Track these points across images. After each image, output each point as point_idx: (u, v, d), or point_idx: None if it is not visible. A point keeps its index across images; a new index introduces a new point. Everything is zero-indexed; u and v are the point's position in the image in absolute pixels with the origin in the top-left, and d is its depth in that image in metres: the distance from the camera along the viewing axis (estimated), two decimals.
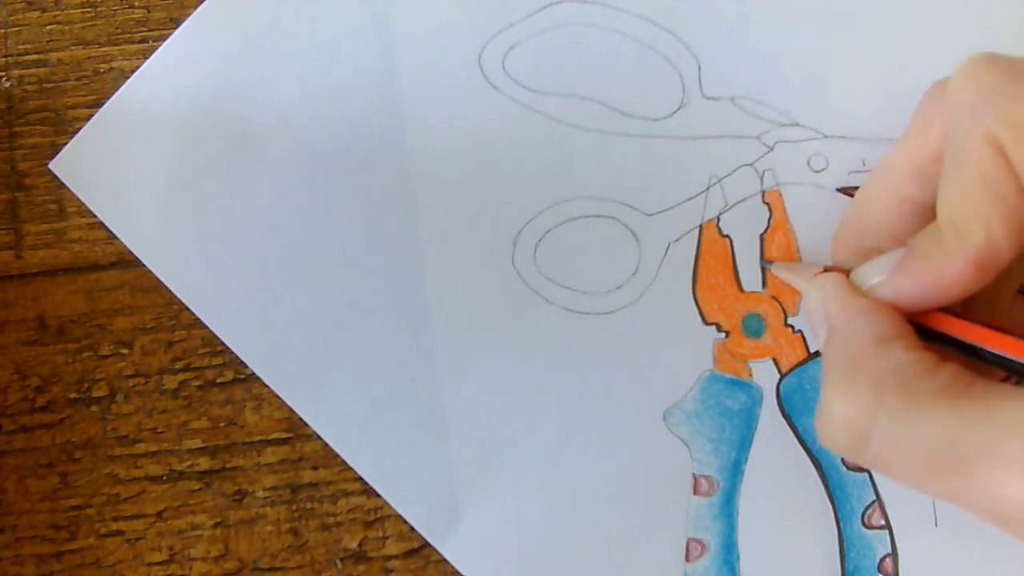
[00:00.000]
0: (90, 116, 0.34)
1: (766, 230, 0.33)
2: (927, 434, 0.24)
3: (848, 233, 0.30)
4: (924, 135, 0.27)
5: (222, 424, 0.33)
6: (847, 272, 0.28)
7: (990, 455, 0.23)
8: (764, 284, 0.32)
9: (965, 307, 0.27)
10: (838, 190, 0.32)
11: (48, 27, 0.35)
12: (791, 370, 0.32)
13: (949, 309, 0.26)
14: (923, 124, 0.27)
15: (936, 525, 0.31)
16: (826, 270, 0.29)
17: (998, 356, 0.26)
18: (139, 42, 0.34)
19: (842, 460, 0.31)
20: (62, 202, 0.34)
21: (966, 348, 0.26)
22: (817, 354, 0.32)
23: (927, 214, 0.27)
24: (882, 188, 0.29)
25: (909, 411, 0.24)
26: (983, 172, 0.24)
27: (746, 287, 0.32)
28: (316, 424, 0.32)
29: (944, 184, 0.26)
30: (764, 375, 0.32)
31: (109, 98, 0.34)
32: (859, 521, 0.31)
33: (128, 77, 0.34)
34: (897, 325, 0.26)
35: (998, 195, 0.24)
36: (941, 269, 0.25)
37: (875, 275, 0.27)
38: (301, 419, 0.32)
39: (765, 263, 0.32)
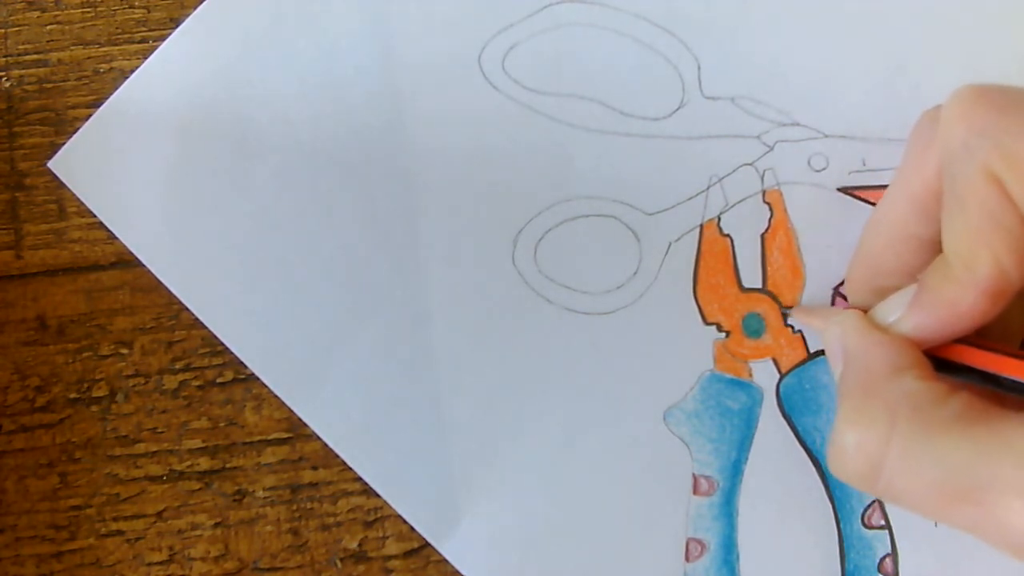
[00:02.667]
0: (90, 116, 0.34)
1: (767, 230, 0.33)
2: (940, 462, 0.24)
3: (859, 273, 0.30)
4: (920, 171, 0.27)
5: (222, 424, 0.33)
6: (865, 311, 0.28)
7: (1004, 483, 0.23)
8: (764, 283, 0.32)
9: (980, 336, 0.27)
10: (838, 190, 0.32)
11: (48, 27, 0.35)
12: (791, 370, 0.32)
13: (966, 340, 0.27)
14: (918, 159, 0.27)
15: (936, 525, 0.31)
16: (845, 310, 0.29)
17: (1016, 382, 0.26)
18: (139, 42, 0.34)
19: None
20: (62, 202, 0.34)
21: (985, 377, 0.26)
22: (817, 354, 0.32)
23: (935, 247, 0.27)
24: (886, 228, 0.29)
25: (922, 438, 0.24)
26: (984, 207, 0.24)
27: (746, 287, 0.32)
28: (316, 424, 0.32)
29: (947, 220, 0.26)
30: (764, 375, 0.32)
31: (109, 98, 0.34)
32: (859, 521, 0.31)
33: (128, 77, 0.34)
34: (911, 355, 0.26)
35: (1002, 227, 0.24)
36: (954, 302, 0.26)
37: (891, 313, 0.27)
38: (301, 419, 0.32)
39: (785, 310, 0.32)
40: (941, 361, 0.27)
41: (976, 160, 0.24)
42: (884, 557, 0.31)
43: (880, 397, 0.25)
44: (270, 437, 0.33)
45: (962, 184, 0.25)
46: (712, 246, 0.33)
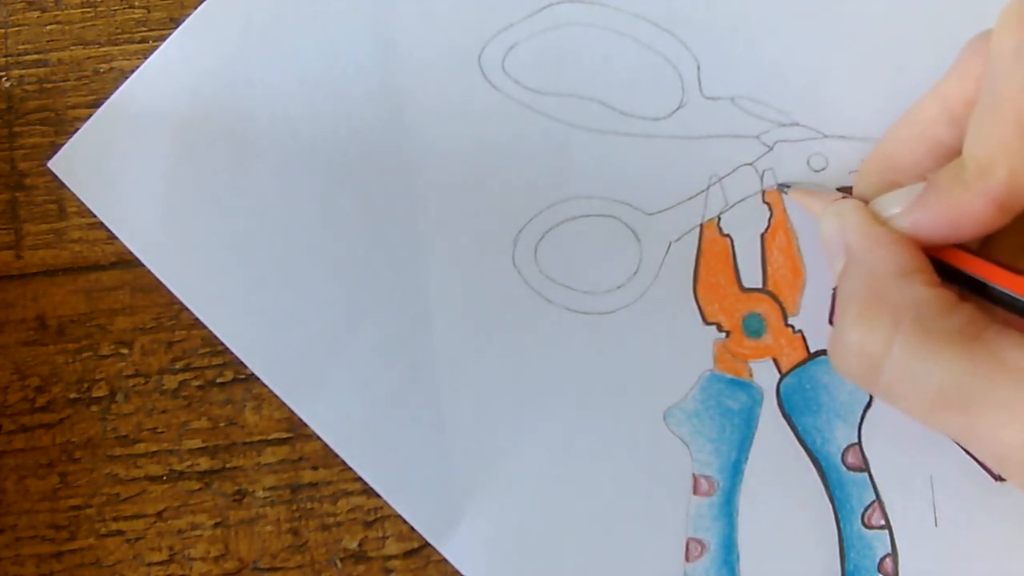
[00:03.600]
0: (90, 116, 0.34)
1: (767, 230, 0.33)
2: (937, 373, 0.25)
3: (873, 166, 0.30)
4: (961, 79, 0.27)
5: (222, 424, 0.33)
6: (866, 202, 0.28)
7: (995, 400, 0.24)
8: (764, 283, 0.32)
9: (988, 250, 0.27)
10: (838, 190, 0.32)
11: (48, 27, 0.35)
12: (791, 370, 0.32)
13: (966, 247, 0.27)
14: (963, 66, 0.28)
15: (936, 525, 0.31)
16: (845, 197, 0.29)
17: (1009, 296, 0.26)
18: (139, 42, 0.34)
19: (842, 460, 0.31)
20: (62, 202, 0.34)
21: (979, 287, 0.26)
22: (817, 354, 0.32)
23: (954, 156, 0.27)
24: (912, 127, 0.29)
25: (923, 348, 0.25)
26: (1019, 115, 0.24)
27: (747, 287, 0.32)
28: (316, 424, 0.32)
29: (975, 122, 0.26)
30: (764, 375, 0.32)
31: (109, 98, 0.34)
32: (859, 521, 0.31)
33: (128, 77, 0.34)
34: (917, 259, 0.26)
35: None
36: (961, 205, 0.26)
37: (895, 206, 0.27)
38: (301, 419, 0.32)
39: (782, 186, 0.32)
40: (939, 264, 0.27)
41: (1022, 69, 0.24)
42: (884, 557, 0.31)
43: (886, 301, 0.26)
44: (270, 437, 0.33)
45: (1002, 89, 0.25)
46: (712, 246, 0.33)
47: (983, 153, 0.25)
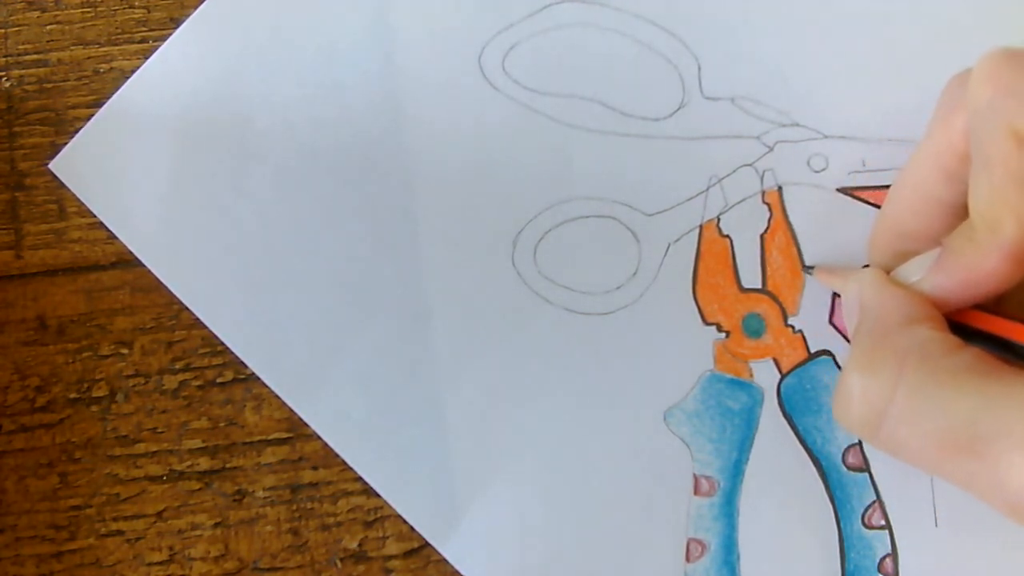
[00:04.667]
0: (90, 116, 0.34)
1: (766, 230, 0.33)
2: (945, 411, 0.24)
3: (883, 236, 0.30)
4: (947, 134, 0.27)
5: (222, 424, 0.33)
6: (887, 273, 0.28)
7: (1009, 436, 0.22)
8: (764, 284, 0.32)
9: (1004, 307, 0.27)
10: (838, 190, 0.32)
11: (48, 27, 0.35)
12: (792, 370, 0.32)
13: (986, 307, 0.27)
14: (945, 122, 0.27)
15: (936, 525, 0.31)
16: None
17: None
18: (139, 42, 0.34)
19: (843, 460, 0.31)
20: (62, 202, 0.34)
21: (1001, 345, 0.26)
22: (818, 354, 0.32)
23: (960, 213, 0.27)
24: (911, 191, 0.29)
25: (929, 387, 0.24)
26: (1009, 167, 0.24)
27: (746, 287, 0.32)
28: (316, 424, 0.32)
29: (973, 181, 0.26)
30: (764, 375, 0.32)
31: (109, 98, 0.34)
32: (859, 521, 0.31)
33: (128, 77, 0.34)
34: (926, 309, 0.26)
35: None
36: (976, 265, 0.26)
37: (913, 275, 0.27)
38: (301, 419, 0.32)
39: (807, 270, 0.32)
40: (959, 327, 0.27)
41: (1002, 120, 0.24)
42: (884, 557, 0.31)
43: (890, 345, 0.25)
44: (270, 437, 0.33)
45: (987, 144, 0.25)
46: (712, 246, 0.33)
47: (987, 210, 0.25)
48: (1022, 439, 0.22)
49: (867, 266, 0.30)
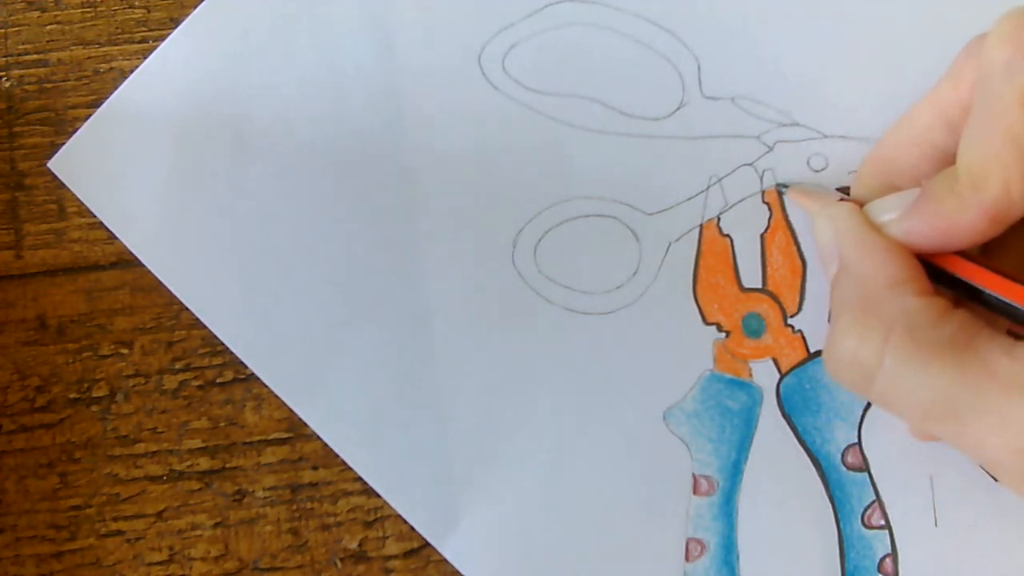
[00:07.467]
0: (90, 116, 0.34)
1: (766, 230, 0.33)
2: (928, 385, 0.25)
3: (870, 169, 0.30)
4: (956, 83, 0.27)
5: (222, 424, 0.33)
6: (861, 205, 0.29)
7: (986, 408, 0.24)
8: (764, 283, 0.32)
9: (985, 253, 0.27)
10: (838, 190, 0.32)
11: (48, 27, 0.35)
12: (791, 370, 0.32)
13: (963, 253, 0.27)
14: (957, 72, 0.27)
15: (936, 525, 0.31)
16: (841, 200, 0.29)
17: (1002, 302, 0.26)
18: (139, 42, 0.34)
19: (842, 460, 0.31)
20: (62, 202, 0.34)
21: (972, 292, 0.27)
22: (817, 354, 0.32)
23: (950, 160, 0.27)
24: (908, 131, 0.29)
25: (914, 360, 0.25)
26: (1010, 128, 0.24)
27: (746, 287, 0.32)
28: (316, 424, 0.32)
29: (968, 133, 0.26)
30: (764, 375, 0.32)
31: (109, 98, 0.34)
32: (859, 521, 0.31)
33: (128, 77, 0.34)
34: (909, 268, 0.27)
35: (1021, 152, 0.24)
36: (953, 216, 0.26)
37: (889, 211, 0.28)
38: (301, 419, 0.32)
39: (780, 186, 0.32)
40: (930, 267, 0.27)
41: (1014, 81, 0.24)
42: (884, 557, 0.31)
43: (877, 312, 0.26)
44: (270, 437, 0.33)
45: (994, 102, 0.25)
46: (712, 246, 0.33)
47: (976, 165, 0.25)
48: (995, 407, 0.24)
49: (842, 198, 0.30)
